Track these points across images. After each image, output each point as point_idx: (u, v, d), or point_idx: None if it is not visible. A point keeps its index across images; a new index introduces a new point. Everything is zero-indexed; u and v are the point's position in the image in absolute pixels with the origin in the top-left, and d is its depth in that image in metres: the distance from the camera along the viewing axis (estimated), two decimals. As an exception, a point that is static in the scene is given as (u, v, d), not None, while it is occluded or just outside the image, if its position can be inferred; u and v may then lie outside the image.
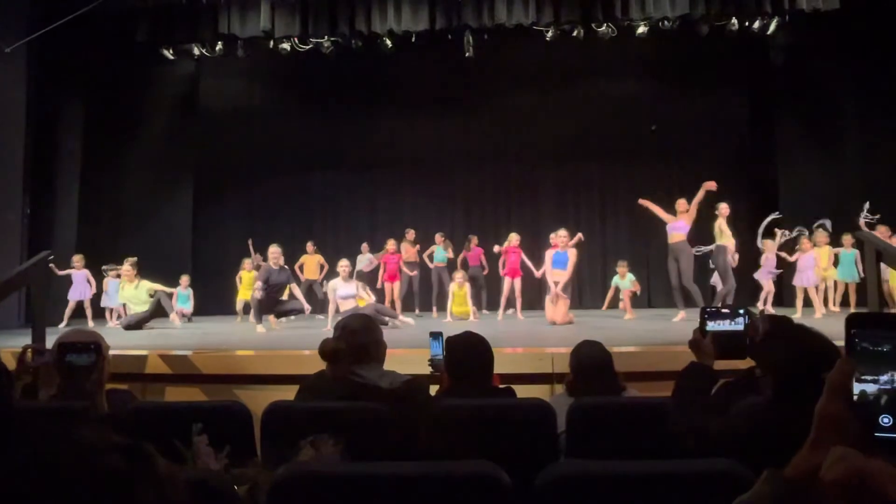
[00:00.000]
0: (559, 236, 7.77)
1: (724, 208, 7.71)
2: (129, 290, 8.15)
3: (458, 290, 8.48)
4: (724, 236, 7.57)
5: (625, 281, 8.76)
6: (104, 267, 8.86)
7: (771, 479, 0.76)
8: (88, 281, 8.74)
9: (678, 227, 7.52)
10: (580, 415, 2.08)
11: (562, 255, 7.68)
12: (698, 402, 1.99)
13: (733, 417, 1.74)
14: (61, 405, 1.94)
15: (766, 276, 8.16)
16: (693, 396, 2.02)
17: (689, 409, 1.96)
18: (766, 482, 0.76)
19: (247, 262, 9.28)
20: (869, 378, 0.70)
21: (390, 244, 9.29)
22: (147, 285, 8.13)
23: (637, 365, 3.91)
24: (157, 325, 8.04)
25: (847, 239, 8.04)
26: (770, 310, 7.68)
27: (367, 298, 7.60)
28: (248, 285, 9.22)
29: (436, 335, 2.87)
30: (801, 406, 1.50)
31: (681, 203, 7.74)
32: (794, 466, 0.74)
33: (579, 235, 8.22)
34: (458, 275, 8.59)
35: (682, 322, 7.12)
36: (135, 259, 8.31)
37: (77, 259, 8.77)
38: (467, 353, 2.45)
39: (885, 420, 0.68)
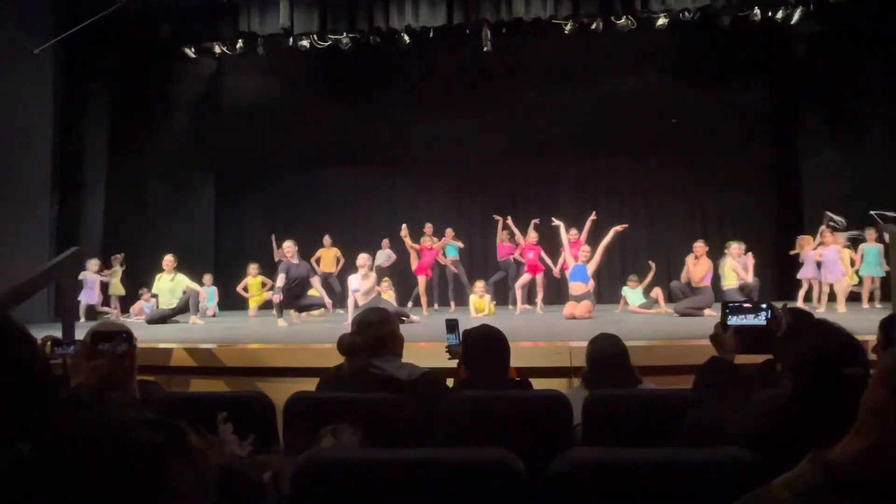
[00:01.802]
0: (582, 251, 7.78)
1: (735, 249, 7.60)
2: (164, 282, 8.16)
3: (479, 300, 8.34)
4: (729, 278, 7.47)
5: (634, 292, 8.63)
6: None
7: (815, 461, 0.77)
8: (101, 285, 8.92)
9: (706, 277, 7.54)
10: (596, 407, 2.10)
11: (581, 268, 7.69)
12: (718, 396, 2.00)
13: (751, 411, 1.74)
14: (95, 393, 2.01)
15: (809, 273, 8.02)
16: (713, 390, 2.03)
17: (709, 403, 1.97)
18: (809, 463, 0.77)
19: (252, 268, 9.37)
20: None
21: (426, 240, 9.27)
22: (185, 281, 8.12)
23: (654, 359, 3.91)
24: (180, 319, 8.18)
25: (871, 233, 7.87)
26: (821, 307, 7.58)
27: (383, 292, 7.61)
28: (255, 291, 9.35)
29: (451, 324, 2.91)
30: (821, 401, 1.51)
31: (698, 247, 7.69)
32: (838, 451, 0.76)
33: (593, 216, 8.39)
34: (479, 286, 8.45)
35: (701, 318, 7.08)
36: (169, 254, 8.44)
37: (93, 263, 8.81)
38: (484, 346, 2.48)
39: None
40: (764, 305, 2.14)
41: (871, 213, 8.06)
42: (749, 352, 2.13)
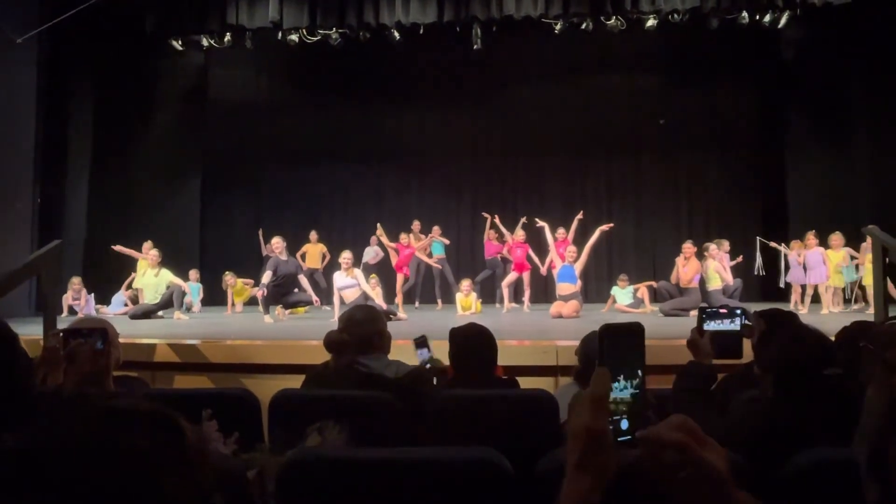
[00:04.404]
0: (569, 252, 7.80)
1: (713, 249, 7.64)
2: (149, 277, 8.07)
3: (465, 298, 8.34)
4: (713, 280, 7.50)
5: (623, 292, 8.68)
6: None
7: None
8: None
9: (695, 279, 7.55)
10: (582, 406, 2.10)
11: (569, 269, 7.71)
12: (698, 401, 2.01)
13: (734, 413, 1.76)
14: (70, 390, 1.98)
15: (796, 278, 8.08)
16: (692, 395, 2.04)
17: (689, 408, 1.98)
18: None
19: (228, 277, 9.22)
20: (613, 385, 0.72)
21: (403, 237, 9.25)
22: (168, 276, 8.04)
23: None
24: (164, 314, 8.10)
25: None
26: (804, 309, 7.66)
27: (371, 291, 7.56)
28: (239, 292, 9.27)
29: (420, 341, 2.70)
30: (801, 403, 1.52)
31: (687, 248, 7.69)
32: (563, 498, 0.70)
33: (580, 215, 8.40)
34: (465, 284, 8.46)
35: (686, 319, 7.14)
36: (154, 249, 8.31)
37: (76, 282, 8.62)
38: (470, 344, 2.47)
39: (624, 425, 0.70)
40: (738, 311, 2.17)
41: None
42: (724, 357, 2.15)
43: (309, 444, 1.73)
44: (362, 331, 2.39)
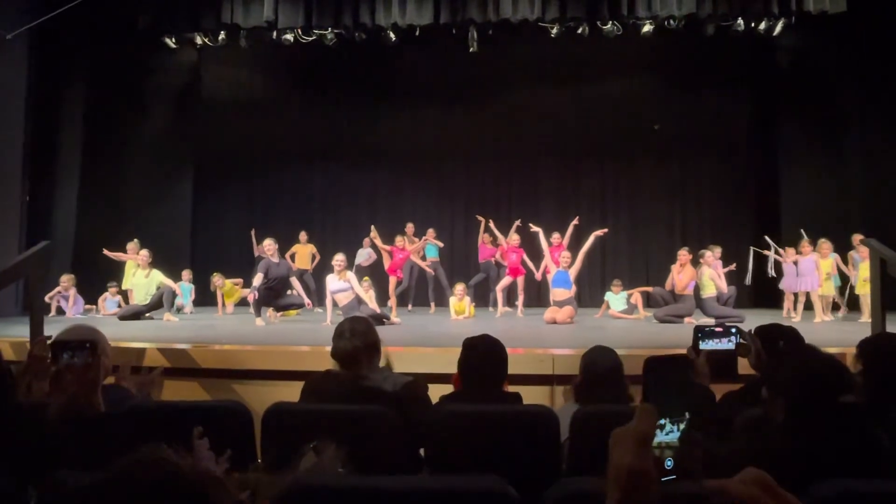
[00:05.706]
0: (563, 257, 7.77)
1: (708, 256, 7.64)
2: (139, 278, 7.97)
3: (458, 303, 8.31)
4: (708, 287, 7.49)
5: (617, 297, 8.67)
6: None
7: None
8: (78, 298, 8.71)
9: (690, 286, 7.52)
10: (583, 423, 2.06)
11: (564, 274, 7.69)
12: (697, 424, 1.96)
13: (739, 435, 1.71)
14: (59, 408, 1.91)
15: (788, 285, 8.09)
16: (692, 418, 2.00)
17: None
18: None
19: (216, 278, 9.13)
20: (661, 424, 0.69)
21: (398, 239, 9.19)
22: (159, 277, 7.95)
23: (635, 368, 3.88)
24: (154, 315, 8.00)
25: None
26: (797, 317, 7.66)
27: (364, 294, 7.48)
28: (229, 293, 9.19)
29: None
30: (816, 431, 1.47)
31: (682, 255, 7.67)
32: None
33: (576, 220, 8.36)
34: (459, 288, 8.42)
35: (680, 326, 7.12)
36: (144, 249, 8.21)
37: (67, 279, 8.58)
38: (484, 358, 2.41)
39: (669, 464, 0.67)
40: (734, 329, 2.13)
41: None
42: (720, 379, 2.11)
43: (304, 463, 1.67)
44: (366, 341, 2.35)
